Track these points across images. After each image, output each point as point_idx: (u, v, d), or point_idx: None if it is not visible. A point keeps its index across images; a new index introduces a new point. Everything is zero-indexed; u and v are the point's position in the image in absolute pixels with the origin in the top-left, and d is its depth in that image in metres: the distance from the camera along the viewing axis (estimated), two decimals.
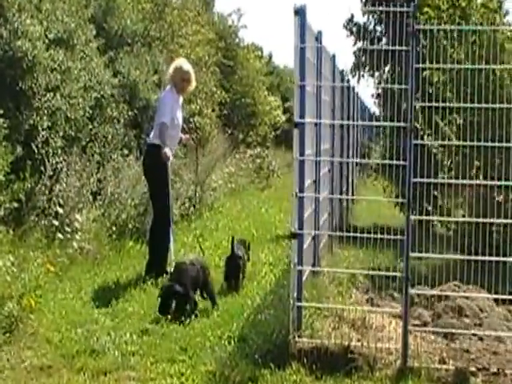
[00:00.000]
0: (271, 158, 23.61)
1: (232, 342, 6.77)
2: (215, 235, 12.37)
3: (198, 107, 14.67)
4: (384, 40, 14.86)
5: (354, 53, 14.82)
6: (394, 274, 6.80)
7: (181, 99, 9.32)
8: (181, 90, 9.11)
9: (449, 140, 10.84)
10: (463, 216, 10.85)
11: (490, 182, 8.16)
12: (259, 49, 29.35)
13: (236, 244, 8.99)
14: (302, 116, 6.36)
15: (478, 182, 8.56)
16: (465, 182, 8.82)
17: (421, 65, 7.12)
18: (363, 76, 14.63)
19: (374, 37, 14.73)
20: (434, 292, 7.76)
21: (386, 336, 6.82)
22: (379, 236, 6.67)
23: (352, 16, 15.14)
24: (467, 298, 8.05)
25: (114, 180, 10.96)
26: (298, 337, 6.48)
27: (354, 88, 14.93)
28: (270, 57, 31.25)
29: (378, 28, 14.95)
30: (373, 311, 7.20)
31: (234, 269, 8.78)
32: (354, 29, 15.08)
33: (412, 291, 6.68)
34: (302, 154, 6.53)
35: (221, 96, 17.31)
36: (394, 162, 6.57)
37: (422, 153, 8.80)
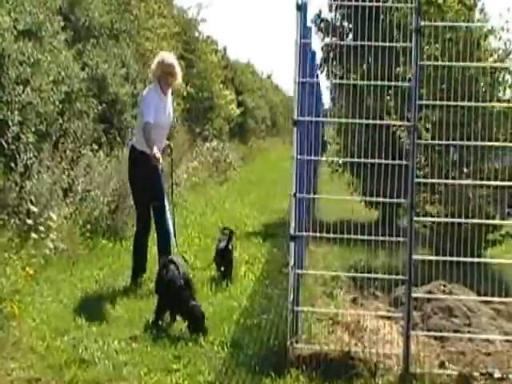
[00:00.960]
0: (228, 151, 23.37)
1: (225, 348, 6.51)
2: (185, 232, 12.07)
3: None
4: (350, 36, 14.67)
5: (322, 48, 14.65)
6: (396, 277, 6.59)
7: (169, 96, 8.61)
8: (165, 85, 8.42)
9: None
10: (438, 213, 10.80)
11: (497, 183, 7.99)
12: (214, 42, 29.06)
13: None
14: (302, 114, 6.12)
15: (482, 182, 8.42)
16: (465, 182, 8.65)
17: (425, 62, 6.99)
18: (332, 72, 14.43)
19: (343, 33, 14.53)
20: (441, 296, 7.62)
21: (381, 339, 6.67)
22: (380, 238, 6.45)
23: (320, 12, 15.00)
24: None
25: (85, 176, 10.57)
26: (296, 342, 6.27)
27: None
28: (225, 50, 30.89)
29: (345, 24, 14.76)
30: (373, 315, 7.00)
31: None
32: (322, 24, 14.89)
33: (414, 294, 6.49)
34: (301, 153, 6.26)
35: (186, 90, 16.98)
36: (397, 161, 6.38)
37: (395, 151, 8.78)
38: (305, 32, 6.15)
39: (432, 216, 11.16)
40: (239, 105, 29.07)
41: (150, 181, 8.23)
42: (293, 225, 6.24)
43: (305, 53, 6.18)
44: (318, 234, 6.71)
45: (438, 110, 10.21)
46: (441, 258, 7.01)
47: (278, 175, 25.32)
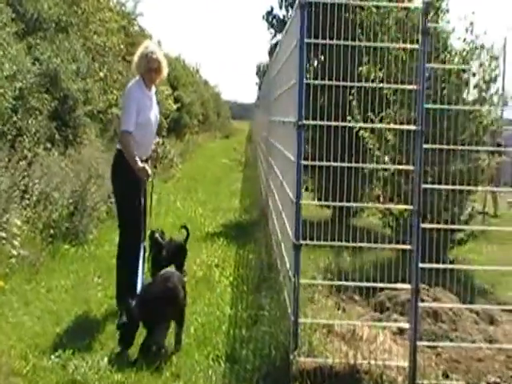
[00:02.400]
0: (169, 147, 22.88)
1: (221, 362, 6.14)
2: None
3: (114, 98, 13.77)
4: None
5: (275, 46, 14.32)
6: (403, 285, 6.32)
7: (153, 91, 7.75)
8: (149, 81, 7.55)
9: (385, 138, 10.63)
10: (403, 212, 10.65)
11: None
12: (149, 36, 28.45)
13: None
14: (306, 117, 5.75)
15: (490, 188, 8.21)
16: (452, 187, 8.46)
17: (432, 64, 6.75)
18: None
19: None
20: (445, 305, 7.40)
21: (379, 348, 6.39)
22: (387, 246, 6.17)
23: (272, 8, 14.70)
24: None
25: (42, 178, 9.99)
26: (298, 355, 5.93)
27: None
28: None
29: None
30: (377, 326, 6.72)
31: None
32: (274, 21, 14.59)
33: (420, 305, 6.24)
34: (304, 158, 5.88)
35: None
36: (403, 166, 6.10)
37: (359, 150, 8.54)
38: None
39: (397, 217, 11.04)
40: (176, 101, 28.54)
41: (130, 191, 7.38)
42: (295, 233, 5.88)
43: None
44: (322, 242, 6.35)
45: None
46: (448, 266, 6.76)
47: (219, 172, 25.04)
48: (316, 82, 5.86)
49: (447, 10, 10.61)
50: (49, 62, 11.43)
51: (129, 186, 7.34)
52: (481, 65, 10.14)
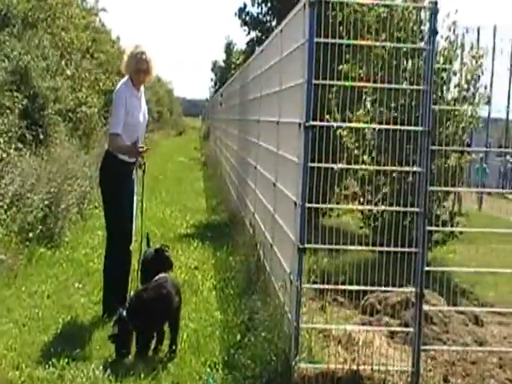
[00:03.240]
0: None
1: (219, 369, 5.98)
2: None
3: (84, 96, 13.47)
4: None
5: (248, 43, 14.16)
6: (406, 289, 6.22)
7: (142, 91, 7.59)
8: (138, 82, 7.41)
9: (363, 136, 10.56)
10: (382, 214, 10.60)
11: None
12: (108, 32, 28.10)
13: None
14: (314, 118, 5.60)
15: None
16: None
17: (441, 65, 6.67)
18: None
19: (270, 28, 14.13)
20: (452, 308, 7.34)
21: (376, 353, 6.30)
22: (392, 249, 6.07)
23: (244, 5, 14.50)
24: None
25: (15, 178, 9.69)
26: (299, 361, 5.79)
27: None
28: (118, 40, 29.91)
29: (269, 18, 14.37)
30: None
31: None
32: (247, 19, 14.41)
33: (425, 307, 6.15)
34: (312, 160, 5.72)
35: (105, 84, 16.09)
36: (410, 168, 5.99)
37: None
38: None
39: (376, 217, 10.98)
40: None
41: (119, 193, 7.23)
42: (299, 236, 5.74)
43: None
44: (326, 246, 6.20)
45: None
46: (453, 268, 6.68)
47: (179, 171, 24.79)
48: (325, 82, 5.65)
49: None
50: (19, 59, 11.11)
51: (117, 188, 7.20)
52: (463, 64, 10.13)
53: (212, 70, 70.79)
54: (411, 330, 6.03)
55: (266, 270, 7.83)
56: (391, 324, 7.52)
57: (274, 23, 13.91)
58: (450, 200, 15.95)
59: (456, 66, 10.17)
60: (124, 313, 6.13)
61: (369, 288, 6.58)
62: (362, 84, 6.05)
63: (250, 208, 10.30)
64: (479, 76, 10.52)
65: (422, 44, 10.48)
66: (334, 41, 5.63)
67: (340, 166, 6.13)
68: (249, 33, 14.55)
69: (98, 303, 7.53)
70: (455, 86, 10.51)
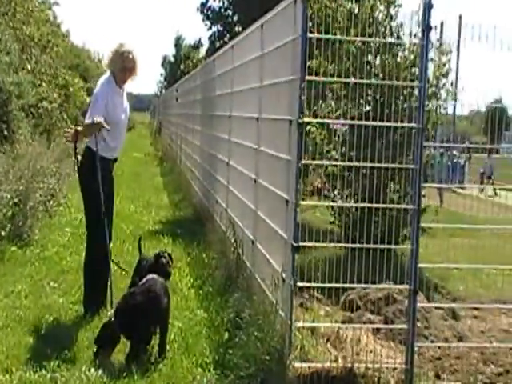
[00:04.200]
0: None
1: (211, 369, 5.91)
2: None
3: (44, 91, 13.21)
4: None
5: (210, 38, 14.04)
6: (401, 286, 6.22)
7: (124, 90, 7.48)
8: (121, 80, 7.31)
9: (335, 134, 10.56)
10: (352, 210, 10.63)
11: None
12: (57, 25, 27.69)
13: None
14: (305, 114, 5.55)
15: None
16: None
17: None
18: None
19: (232, 22, 14.04)
20: (455, 305, 7.37)
21: (365, 350, 6.29)
22: (386, 246, 6.07)
23: (206, 0, 14.36)
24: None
25: None
26: (294, 360, 5.75)
27: None
28: (69, 34, 29.53)
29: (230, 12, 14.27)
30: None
31: None
32: (210, 13, 14.29)
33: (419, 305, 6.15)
34: (301, 157, 5.67)
35: (64, 79, 15.79)
36: (404, 165, 5.99)
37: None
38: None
39: (347, 214, 10.99)
40: (89, 94, 27.84)
41: (99, 190, 7.08)
42: (293, 234, 5.69)
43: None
44: (320, 244, 6.16)
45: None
46: (450, 265, 6.70)
47: (136, 166, 24.53)
48: (318, 78, 5.60)
49: (399, 5, 10.58)
50: None
51: (97, 185, 7.06)
52: (432, 59, 10.16)
53: (162, 64, 70.25)
54: (405, 326, 6.01)
55: (247, 267, 7.76)
56: (374, 320, 7.52)
57: (235, 18, 13.89)
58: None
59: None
60: (113, 317, 6.04)
61: (364, 285, 6.57)
62: (361, 81, 5.97)
63: (222, 204, 10.20)
64: (447, 72, 10.59)
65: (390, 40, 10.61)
66: (327, 37, 5.59)
67: (340, 163, 6.05)
68: (210, 27, 14.43)
69: (77, 303, 7.42)
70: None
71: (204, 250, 9.89)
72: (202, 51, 38.24)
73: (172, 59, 64.13)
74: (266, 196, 6.95)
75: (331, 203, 10.46)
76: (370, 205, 6.44)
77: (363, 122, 6.06)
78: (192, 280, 8.71)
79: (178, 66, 53.44)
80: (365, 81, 7.09)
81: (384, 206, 6.81)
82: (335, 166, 10.07)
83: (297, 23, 5.55)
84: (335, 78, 6.13)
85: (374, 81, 6.77)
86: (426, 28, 5.65)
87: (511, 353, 6.86)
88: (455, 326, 7.79)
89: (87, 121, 7.06)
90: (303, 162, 5.59)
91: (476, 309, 8.81)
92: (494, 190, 19.07)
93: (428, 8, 5.62)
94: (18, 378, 5.45)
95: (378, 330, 7.22)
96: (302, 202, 5.72)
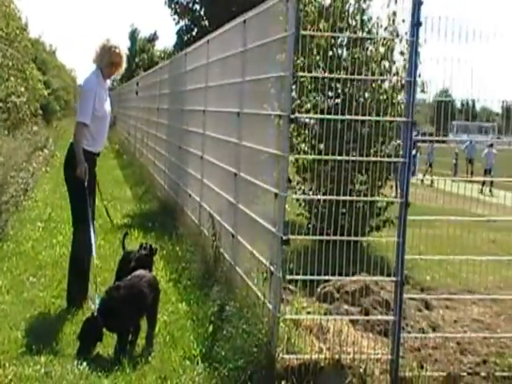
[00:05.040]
0: (48, 136, 22.10)
1: (200, 362, 5.98)
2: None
3: (13, 85, 13.07)
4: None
5: (178, 32, 14.02)
6: (390, 278, 6.33)
7: (108, 82, 7.77)
8: (108, 75, 7.49)
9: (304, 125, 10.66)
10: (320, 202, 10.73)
11: None
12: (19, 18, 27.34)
13: None
14: (299, 110, 5.65)
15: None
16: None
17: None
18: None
19: (200, 17, 14.04)
20: (435, 296, 7.47)
21: (349, 341, 6.40)
22: (371, 238, 6.18)
23: None
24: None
25: None
26: (282, 353, 5.85)
27: None
28: (26, 26, 29.11)
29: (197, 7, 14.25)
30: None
31: None
32: (177, 8, 14.26)
33: (405, 296, 6.29)
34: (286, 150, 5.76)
35: (32, 73, 15.61)
36: (393, 159, 6.11)
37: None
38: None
39: (316, 206, 11.10)
40: (47, 87, 27.62)
41: (83, 183, 7.25)
42: (282, 227, 5.78)
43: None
44: (310, 237, 6.27)
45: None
46: (441, 257, 6.83)
47: None
48: (308, 74, 5.70)
49: None
50: None
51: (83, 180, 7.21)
52: (402, 53, 10.29)
53: None
54: (392, 318, 6.15)
55: (227, 261, 7.82)
56: (352, 312, 7.63)
57: (202, 12, 13.89)
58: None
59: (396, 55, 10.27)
60: (96, 312, 6.08)
61: (358, 278, 6.66)
62: (359, 78, 6.07)
63: (195, 198, 10.24)
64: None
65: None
66: (320, 34, 5.68)
67: (336, 157, 6.15)
68: (178, 22, 14.42)
69: (59, 297, 7.47)
70: (394, 75, 10.69)
71: (177, 243, 9.92)
72: (158, 44, 38.15)
73: (127, 52, 63.70)
74: (248, 190, 7.02)
75: (303, 196, 10.56)
76: (337, 197, 6.51)
77: (355, 117, 6.10)
78: (168, 273, 8.76)
79: (133, 59, 53.11)
80: (367, 77, 7.10)
81: (351, 198, 6.98)
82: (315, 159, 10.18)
83: (289, 20, 5.62)
84: (327, 74, 6.18)
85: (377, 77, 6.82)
86: (416, 24, 5.76)
87: (486, 342, 7.03)
88: (429, 316, 7.94)
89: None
90: (295, 156, 5.70)
91: (447, 299, 8.99)
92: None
93: (418, 4, 5.74)
94: (12, 374, 5.46)
95: (356, 321, 7.37)
96: (293, 196, 5.81)
